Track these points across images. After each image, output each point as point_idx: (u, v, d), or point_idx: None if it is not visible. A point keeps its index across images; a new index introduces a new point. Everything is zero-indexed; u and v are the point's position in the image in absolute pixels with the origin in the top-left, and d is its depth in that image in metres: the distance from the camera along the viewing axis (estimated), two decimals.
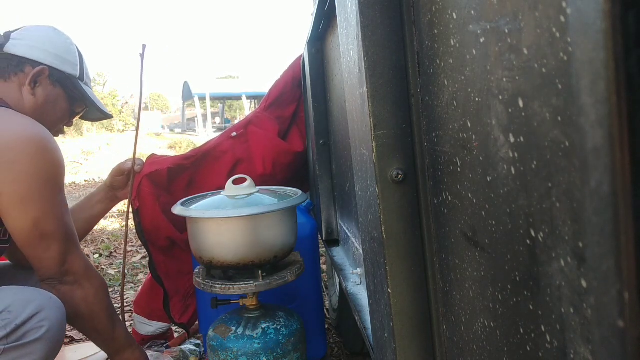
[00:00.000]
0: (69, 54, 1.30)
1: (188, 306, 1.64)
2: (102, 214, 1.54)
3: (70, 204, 1.55)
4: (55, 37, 1.30)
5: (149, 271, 1.62)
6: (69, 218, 1.17)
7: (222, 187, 1.63)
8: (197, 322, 1.71)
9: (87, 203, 1.53)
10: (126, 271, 2.90)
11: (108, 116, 1.44)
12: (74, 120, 1.40)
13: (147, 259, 2.97)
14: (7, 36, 1.23)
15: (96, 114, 1.43)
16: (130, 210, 1.50)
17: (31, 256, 1.11)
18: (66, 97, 1.31)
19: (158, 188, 1.52)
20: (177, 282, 1.61)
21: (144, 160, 1.55)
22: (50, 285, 1.13)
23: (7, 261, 1.40)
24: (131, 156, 1.48)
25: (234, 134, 1.73)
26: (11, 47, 1.22)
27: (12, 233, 1.10)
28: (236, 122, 2.28)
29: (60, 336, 1.07)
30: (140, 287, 1.78)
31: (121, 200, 1.56)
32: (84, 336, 1.96)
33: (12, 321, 0.98)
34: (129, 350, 1.27)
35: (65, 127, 1.39)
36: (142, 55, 1.45)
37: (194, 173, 1.63)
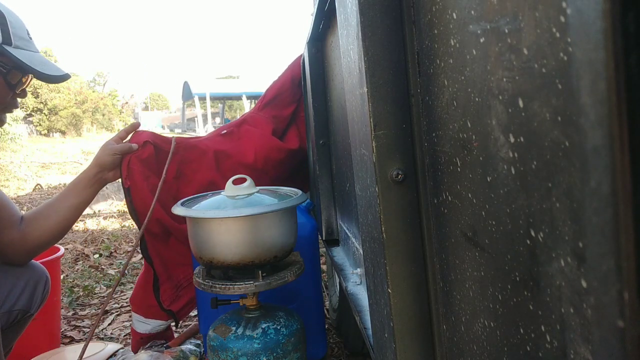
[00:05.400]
0: None
1: (180, 296, 1.62)
2: (90, 199, 1.46)
3: None
4: None
5: (143, 265, 1.60)
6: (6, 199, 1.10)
7: (212, 181, 1.63)
8: (196, 323, 1.71)
9: (73, 190, 1.43)
10: (126, 271, 2.91)
11: (65, 77, 1.23)
12: (28, 91, 1.20)
13: None
14: None
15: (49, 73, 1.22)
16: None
17: None
18: None
19: (146, 169, 1.51)
20: (170, 269, 1.59)
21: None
22: None
23: None
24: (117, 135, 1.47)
25: (224, 131, 1.73)
26: None
27: None
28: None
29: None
30: (135, 283, 1.72)
31: (110, 181, 1.49)
32: (85, 336, 1.97)
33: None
34: None
35: (17, 101, 1.19)
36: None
37: (180, 164, 1.60)
